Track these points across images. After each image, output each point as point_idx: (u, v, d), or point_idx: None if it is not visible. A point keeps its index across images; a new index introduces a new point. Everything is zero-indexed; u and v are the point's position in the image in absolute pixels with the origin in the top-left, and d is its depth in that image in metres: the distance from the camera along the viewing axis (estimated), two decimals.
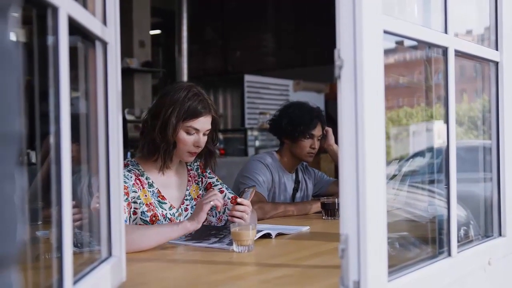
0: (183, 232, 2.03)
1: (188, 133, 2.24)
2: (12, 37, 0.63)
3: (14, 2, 0.63)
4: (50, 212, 1.13)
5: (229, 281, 1.60)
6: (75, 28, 1.14)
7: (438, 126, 1.85)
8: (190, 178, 2.44)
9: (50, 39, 1.05)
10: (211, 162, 2.42)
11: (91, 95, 1.41)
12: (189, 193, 2.41)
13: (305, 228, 2.43)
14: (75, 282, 1.12)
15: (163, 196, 2.30)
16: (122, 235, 1.45)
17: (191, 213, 2.35)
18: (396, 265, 1.37)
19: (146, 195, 2.24)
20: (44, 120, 1.07)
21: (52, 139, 1.04)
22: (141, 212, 2.21)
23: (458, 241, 1.60)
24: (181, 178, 2.41)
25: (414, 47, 1.77)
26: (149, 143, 2.25)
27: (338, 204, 2.72)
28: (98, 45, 1.38)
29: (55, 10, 1.02)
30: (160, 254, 1.93)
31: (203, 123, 2.27)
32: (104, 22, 1.40)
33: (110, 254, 1.42)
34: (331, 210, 2.72)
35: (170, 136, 2.22)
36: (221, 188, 2.45)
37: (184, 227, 2.02)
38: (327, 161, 6.78)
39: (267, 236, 2.18)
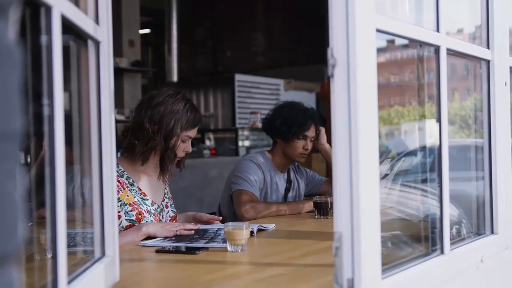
0: (143, 236, 2.16)
1: (183, 141, 2.39)
2: (13, 36, 0.63)
3: (14, 1, 0.63)
4: (41, 213, 1.12)
5: (223, 280, 1.60)
6: (67, 27, 1.14)
7: (430, 125, 1.86)
8: (166, 180, 2.57)
9: (43, 38, 1.04)
10: (184, 160, 2.51)
11: (84, 95, 1.40)
12: (167, 192, 2.55)
13: (271, 226, 2.44)
14: (69, 282, 1.11)
15: (144, 193, 2.39)
16: (115, 235, 1.45)
17: (171, 210, 2.51)
18: (389, 263, 1.37)
19: (128, 195, 2.32)
20: (35, 120, 1.06)
21: (45, 140, 1.04)
22: (124, 212, 2.28)
23: (451, 239, 1.61)
24: (160, 178, 2.49)
25: (405, 46, 1.77)
26: (150, 150, 2.34)
27: (330, 203, 2.73)
28: (91, 44, 1.37)
29: (48, 9, 1.01)
30: (154, 255, 1.93)
31: (196, 131, 2.45)
32: (97, 21, 1.39)
33: (103, 254, 1.41)
34: (323, 209, 2.73)
35: (174, 145, 2.35)
36: (171, 202, 2.59)
37: (144, 232, 2.16)
38: (318, 160, 6.80)
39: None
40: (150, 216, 2.35)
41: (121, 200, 2.28)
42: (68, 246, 1.15)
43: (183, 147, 2.39)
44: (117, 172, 2.32)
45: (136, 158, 2.35)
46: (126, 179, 2.36)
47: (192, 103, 2.43)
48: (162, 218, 2.44)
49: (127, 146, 2.37)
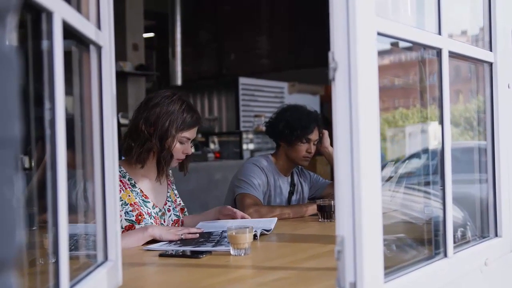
0: (149, 238, 2.15)
1: (180, 142, 2.38)
2: (11, 42, 0.63)
3: (12, 7, 0.64)
4: (44, 218, 1.13)
5: (226, 284, 1.60)
6: (69, 32, 1.14)
7: (434, 127, 1.85)
8: (169, 182, 2.57)
9: (44, 44, 1.04)
10: (187, 163, 2.51)
11: (86, 100, 1.40)
12: (169, 196, 2.54)
13: (274, 221, 2.48)
14: (71, 287, 1.12)
15: (146, 195, 2.39)
16: (118, 239, 1.45)
17: (174, 214, 2.50)
18: (392, 266, 1.37)
19: (129, 195, 2.33)
20: (38, 124, 1.07)
21: (47, 144, 1.04)
22: (125, 212, 2.29)
23: (455, 242, 1.60)
24: (162, 182, 2.49)
25: (409, 48, 1.77)
26: (146, 152, 2.34)
27: (334, 206, 2.72)
28: (92, 49, 1.38)
29: (49, 14, 1.02)
30: (157, 259, 1.93)
31: (195, 132, 2.43)
32: (98, 26, 1.39)
33: (106, 258, 1.41)
34: (327, 212, 2.72)
35: (169, 146, 2.34)
36: (173, 206, 2.56)
37: (149, 234, 2.15)
38: (322, 163, 6.79)
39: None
40: (150, 218, 2.35)
41: (122, 200, 2.28)
42: (70, 249, 1.15)
43: (182, 149, 2.38)
44: (120, 172, 2.32)
45: (133, 160, 2.35)
46: (128, 180, 2.36)
47: (189, 104, 2.41)
48: (164, 221, 2.43)
49: (126, 149, 2.37)
